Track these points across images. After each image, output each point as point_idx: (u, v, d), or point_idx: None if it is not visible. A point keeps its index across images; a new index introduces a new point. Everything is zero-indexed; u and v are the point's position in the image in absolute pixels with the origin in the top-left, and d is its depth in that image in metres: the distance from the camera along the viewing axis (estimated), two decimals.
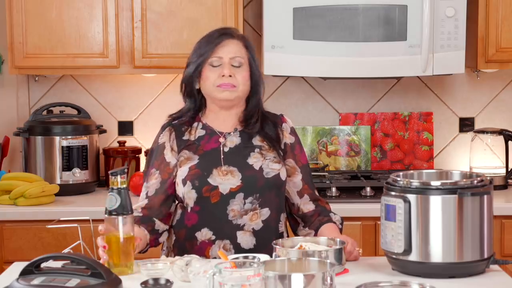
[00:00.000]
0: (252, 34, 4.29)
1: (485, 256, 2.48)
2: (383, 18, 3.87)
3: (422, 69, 3.88)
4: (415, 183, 2.47)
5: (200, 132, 2.80)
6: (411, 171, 2.65)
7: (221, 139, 2.78)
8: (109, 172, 2.50)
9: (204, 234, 2.71)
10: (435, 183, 2.46)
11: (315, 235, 2.76)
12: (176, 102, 4.34)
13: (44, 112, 4.17)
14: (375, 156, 4.33)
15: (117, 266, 2.45)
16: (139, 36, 3.98)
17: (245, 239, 2.70)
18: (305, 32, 3.87)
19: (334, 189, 3.84)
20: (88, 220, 2.87)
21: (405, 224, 2.45)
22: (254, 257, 2.40)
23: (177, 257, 2.49)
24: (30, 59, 4.00)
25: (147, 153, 4.22)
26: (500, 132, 4.20)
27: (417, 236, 2.45)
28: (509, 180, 4.19)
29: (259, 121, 2.80)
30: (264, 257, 2.47)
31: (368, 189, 3.87)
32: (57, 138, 4.05)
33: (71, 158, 4.06)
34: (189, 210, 2.73)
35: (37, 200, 3.82)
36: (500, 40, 4.00)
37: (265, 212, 2.74)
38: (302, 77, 4.32)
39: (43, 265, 2.34)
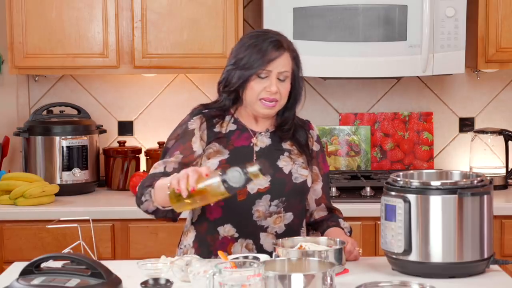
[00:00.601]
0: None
1: (485, 256, 2.48)
2: (383, 18, 3.87)
3: (422, 69, 3.88)
4: (415, 183, 2.47)
5: (231, 127, 2.76)
6: (411, 171, 2.65)
7: (253, 140, 2.77)
8: (255, 161, 2.40)
9: (227, 230, 2.70)
10: (435, 183, 2.46)
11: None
12: (176, 102, 4.37)
13: (44, 112, 4.17)
14: (375, 156, 4.33)
15: (182, 202, 2.39)
16: (139, 36, 3.98)
17: (268, 241, 2.69)
18: (305, 32, 3.87)
19: (334, 189, 3.84)
20: (88, 220, 2.87)
21: (405, 224, 2.45)
22: (254, 257, 2.39)
23: (177, 257, 2.49)
24: (30, 59, 4.00)
25: (147, 153, 4.24)
26: (500, 132, 4.20)
27: (417, 236, 2.45)
28: (509, 180, 4.19)
29: (292, 129, 2.78)
30: (264, 257, 2.47)
31: (368, 189, 3.87)
32: (57, 138, 4.05)
33: (71, 158, 4.06)
34: (211, 203, 2.71)
35: (37, 200, 3.82)
36: (500, 40, 4.00)
37: (289, 217, 2.72)
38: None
39: (43, 265, 2.34)
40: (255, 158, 2.72)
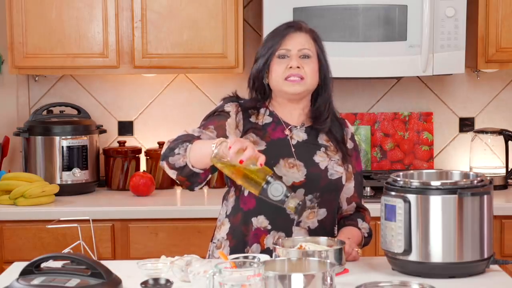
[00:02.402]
0: (252, 34, 4.29)
1: (485, 256, 2.48)
2: (383, 18, 3.87)
3: (422, 69, 3.88)
4: (415, 183, 2.47)
5: (267, 119, 2.76)
6: (411, 171, 2.65)
7: (287, 132, 2.76)
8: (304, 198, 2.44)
9: (260, 221, 2.69)
10: (435, 183, 2.46)
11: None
12: (176, 102, 4.37)
13: (44, 112, 4.17)
14: (375, 156, 4.33)
15: (218, 160, 2.39)
16: (139, 36, 3.98)
17: (300, 235, 2.67)
18: None
19: None
20: (88, 220, 2.87)
21: (405, 224, 2.45)
22: (254, 257, 2.39)
23: (177, 257, 2.49)
24: (30, 59, 4.00)
25: (147, 153, 4.24)
26: (500, 132, 4.20)
27: (417, 236, 2.45)
28: (509, 180, 4.19)
29: (329, 118, 2.76)
30: (264, 257, 2.47)
31: (368, 189, 3.87)
32: (57, 138, 4.05)
33: (71, 158, 4.06)
34: (245, 194, 2.70)
35: (37, 200, 3.82)
36: (500, 40, 4.00)
37: (322, 213, 2.72)
38: None
39: (43, 265, 2.34)
40: (293, 150, 2.71)
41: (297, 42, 2.69)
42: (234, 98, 2.78)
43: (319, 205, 2.70)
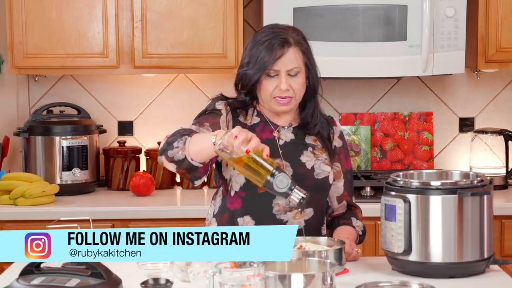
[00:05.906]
0: (252, 34, 4.29)
1: (485, 256, 2.48)
2: (383, 18, 3.87)
3: (422, 69, 3.88)
4: (415, 183, 2.47)
5: (255, 120, 2.77)
6: (411, 171, 2.65)
7: (275, 133, 2.76)
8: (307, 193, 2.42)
9: (246, 221, 2.70)
10: (435, 183, 2.46)
11: (331, 235, 2.77)
12: (176, 102, 4.37)
13: (44, 112, 4.17)
14: (375, 156, 4.33)
15: (222, 149, 2.37)
16: (139, 36, 3.98)
17: None
18: (305, 32, 3.84)
19: None
20: (88, 220, 2.87)
21: (405, 224, 2.45)
22: None
23: None
24: (30, 59, 4.00)
25: (147, 153, 4.24)
26: (500, 132, 4.20)
27: (417, 236, 2.45)
28: (509, 180, 4.19)
29: (318, 125, 2.77)
30: None
31: (368, 189, 3.88)
32: (57, 138, 4.05)
33: (71, 158, 4.06)
34: (232, 193, 2.71)
35: (37, 200, 3.82)
36: (500, 40, 4.00)
37: (309, 212, 2.72)
38: None
39: (43, 265, 2.34)
40: (280, 151, 2.72)
41: (286, 62, 2.67)
42: (221, 97, 2.78)
43: (306, 204, 2.70)
